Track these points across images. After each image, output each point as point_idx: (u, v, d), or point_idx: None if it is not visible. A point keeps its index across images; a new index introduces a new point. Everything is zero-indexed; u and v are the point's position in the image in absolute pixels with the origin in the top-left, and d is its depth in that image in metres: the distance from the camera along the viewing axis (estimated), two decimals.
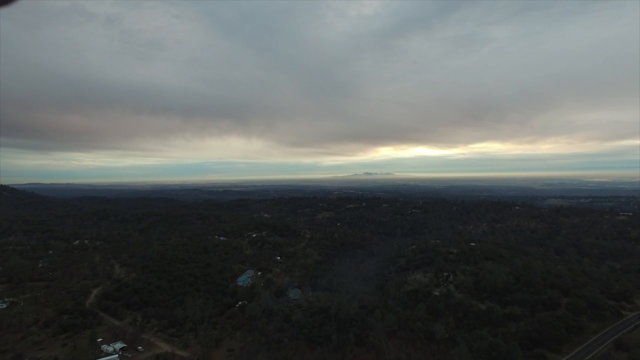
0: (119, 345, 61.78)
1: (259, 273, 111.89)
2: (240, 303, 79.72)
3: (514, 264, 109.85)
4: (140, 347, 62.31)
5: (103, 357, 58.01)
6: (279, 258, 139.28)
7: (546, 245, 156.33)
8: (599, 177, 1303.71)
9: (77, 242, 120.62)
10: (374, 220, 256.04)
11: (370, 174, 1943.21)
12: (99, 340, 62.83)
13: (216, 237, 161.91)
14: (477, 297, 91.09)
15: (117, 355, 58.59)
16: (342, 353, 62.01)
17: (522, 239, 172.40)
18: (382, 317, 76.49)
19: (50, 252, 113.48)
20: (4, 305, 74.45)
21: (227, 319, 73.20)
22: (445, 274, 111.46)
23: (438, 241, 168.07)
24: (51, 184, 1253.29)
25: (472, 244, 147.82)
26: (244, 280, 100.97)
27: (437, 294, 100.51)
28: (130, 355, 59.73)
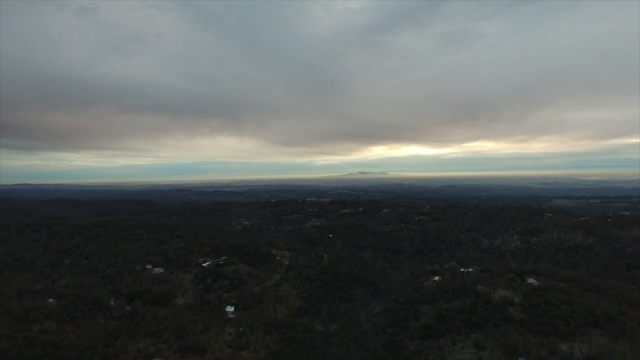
0: None
1: None
2: None
3: None
4: None
5: None
6: (231, 310, 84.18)
7: (632, 279, 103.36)
8: (593, 175, 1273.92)
9: None
10: (374, 231, 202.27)
11: (364, 173, 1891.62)
12: None
13: (149, 267, 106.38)
14: None
15: None
16: None
17: (592, 265, 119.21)
18: None
19: None
20: None
21: None
22: None
23: (471, 270, 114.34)
24: (40, 184, 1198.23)
25: (532, 281, 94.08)
26: None
27: None
28: None
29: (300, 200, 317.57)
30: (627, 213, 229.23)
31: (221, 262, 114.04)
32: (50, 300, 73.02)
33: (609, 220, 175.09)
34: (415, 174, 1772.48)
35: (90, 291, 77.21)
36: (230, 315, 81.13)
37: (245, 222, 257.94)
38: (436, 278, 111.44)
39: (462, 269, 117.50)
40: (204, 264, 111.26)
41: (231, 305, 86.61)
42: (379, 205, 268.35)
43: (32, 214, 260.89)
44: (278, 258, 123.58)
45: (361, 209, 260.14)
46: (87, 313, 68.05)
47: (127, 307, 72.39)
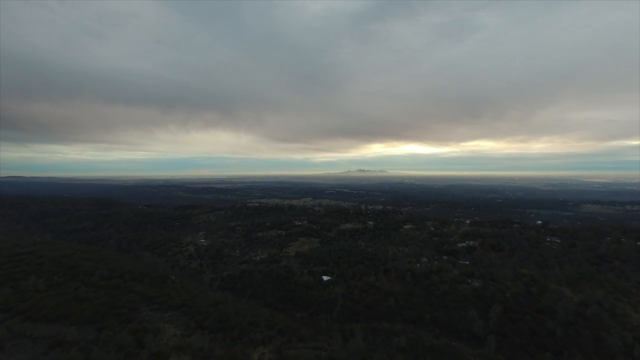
0: None
1: None
2: None
3: None
4: None
5: None
6: None
7: None
8: (596, 177, 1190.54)
9: None
10: (399, 271, 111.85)
11: (363, 171, 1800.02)
12: None
13: None
14: None
15: None
16: None
17: None
18: None
19: None
20: None
21: None
22: None
23: None
24: (32, 177, 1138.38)
25: None
26: None
27: None
28: None
29: (287, 206, 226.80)
30: None
31: None
32: None
33: None
34: (414, 172, 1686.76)
35: None
36: None
37: (203, 241, 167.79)
38: None
39: None
40: None
41: None
42: (397, 218, 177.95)
43: None
44: None
45: (371, 223, 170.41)
46: None
47: None
